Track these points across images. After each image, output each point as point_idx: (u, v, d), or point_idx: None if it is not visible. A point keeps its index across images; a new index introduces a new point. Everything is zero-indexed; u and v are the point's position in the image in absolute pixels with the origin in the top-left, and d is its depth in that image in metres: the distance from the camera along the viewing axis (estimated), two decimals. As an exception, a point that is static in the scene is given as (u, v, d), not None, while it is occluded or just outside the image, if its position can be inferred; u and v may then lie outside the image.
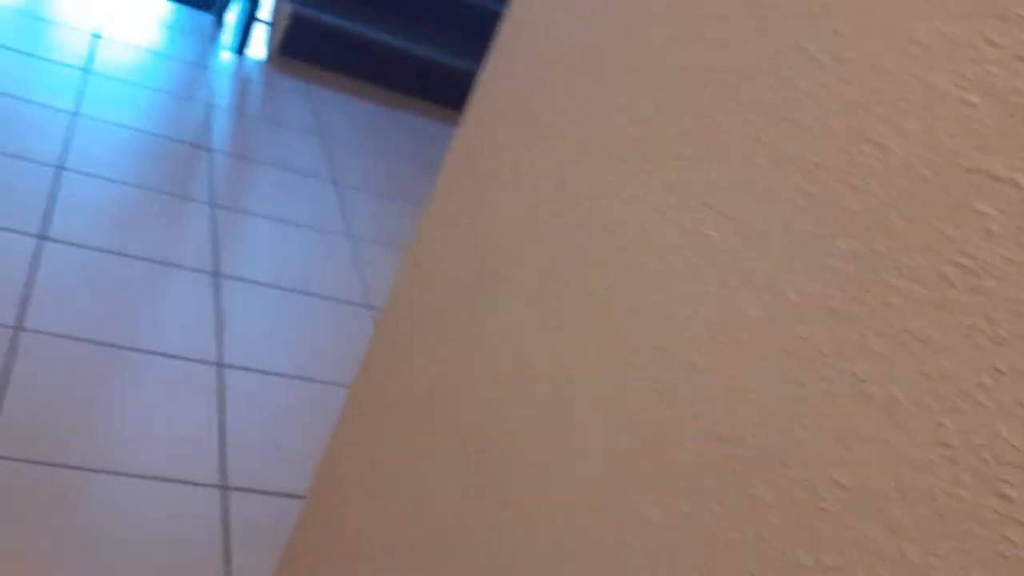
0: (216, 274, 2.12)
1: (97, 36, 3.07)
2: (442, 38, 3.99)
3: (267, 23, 3.70)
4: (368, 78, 3.72)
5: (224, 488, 1.55)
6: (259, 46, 3.62)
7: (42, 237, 1.98)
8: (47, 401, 1.58)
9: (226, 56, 3.40)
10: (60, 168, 2.25)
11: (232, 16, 3.82)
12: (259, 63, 3.46)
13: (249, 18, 3.48)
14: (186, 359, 1.82)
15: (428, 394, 0.94)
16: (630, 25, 0.74)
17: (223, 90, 3.10)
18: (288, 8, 3.52)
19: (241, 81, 3.24)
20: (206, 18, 3.69)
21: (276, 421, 1.76)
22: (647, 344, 0.65)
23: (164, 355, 1.80)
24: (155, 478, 1.52)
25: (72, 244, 2.00)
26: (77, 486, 1.44)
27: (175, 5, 3.71)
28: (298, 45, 3.59)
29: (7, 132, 2.28)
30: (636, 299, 0.67)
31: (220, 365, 1.84)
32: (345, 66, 3.67)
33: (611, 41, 0.76)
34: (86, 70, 2.80)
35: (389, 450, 0.99)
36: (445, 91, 3.81)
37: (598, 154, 0.75)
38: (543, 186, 0.81)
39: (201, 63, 3.24)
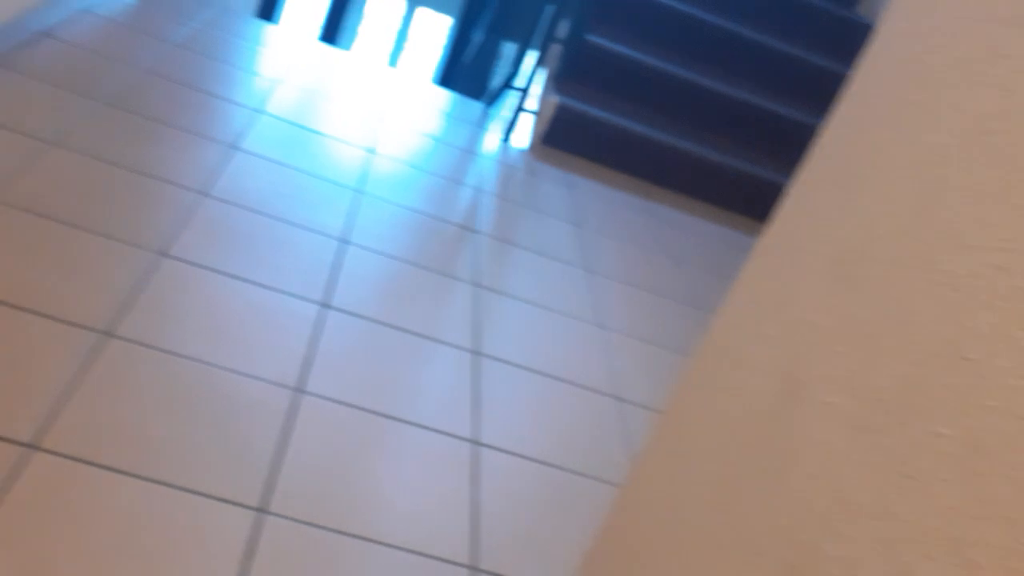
0: (475, 352, 2.19)
1: (380, 120, 3.32)
2: (700, 134, 4.00)
3: (533, 113, 3.86)
4: (626, 169, 3.77)
5: (474, 569, 1.57)
6: (524, 134, 3.78)
7: (325, 305, 2.13)
8: (319, 462, 1.67)
9: (493, 143, 3.57)
10: (344, 241, 2.43)
11: (500, 105, 4.02)
12: (523, 151, 3.61)
13: (518, 108, 3.65)
14: (444, 433, 1.87)
15: (717, 515, 0.90)
16: (972, 138, 0.70)
17: (490, 175, 3.25)
18: (554, 100, 3.66)
19: (506, 167, 3.39)
20: (477, 106, 3.90)
21: (527, 505, 1.77)
22: (1005, 495, 0.59)
23: (424, 427, 1.87)
24: (408, 550, 1.56)
25: (350, 313, 2.14)
26: (334, 548, 1.51)
27: (450, 93, 3.95)
28: (561, 135, 3.71)
29: (299, 205, 2.50)
30: (995, 443, 0.61)
31: (475, 443, 1.88)
32: (604, 157, 3.75)
33: (936, 155, 0.72)
34: (370, 151, 3.03)
35: (666, 572, 0.96)
36: (704, 188, 3.80)
37: (936, 272, 0.70)
38: (875, 301, 0.77)
39: (471, 149, 3.42)
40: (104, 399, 1.60)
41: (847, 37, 4.53)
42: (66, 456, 1.46)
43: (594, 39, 3.88)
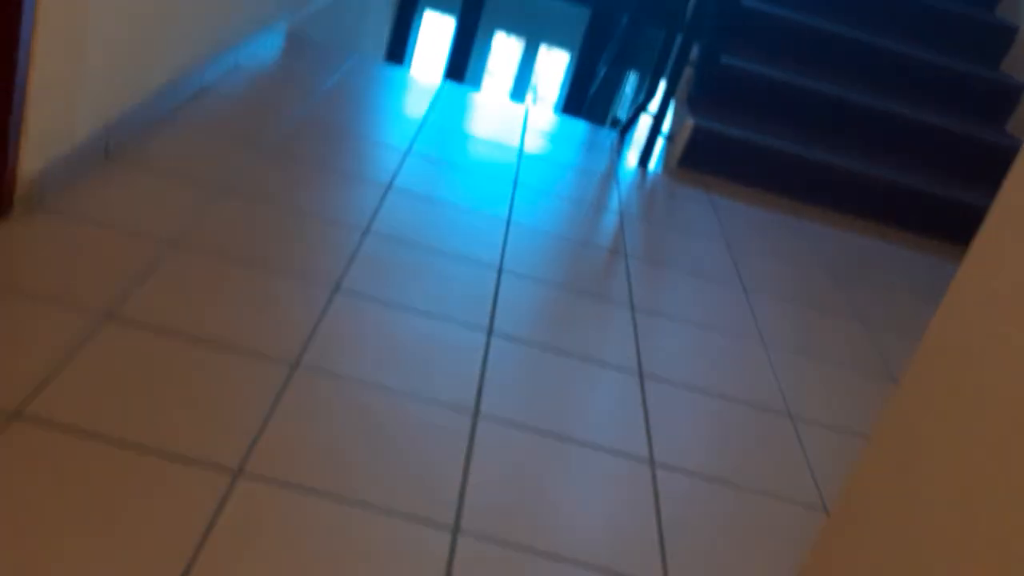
0: (641, 373, 2.17)
1: (520, 152, 3.37)
2: (843, 148, 3.90)
3: (668, 136, 3.84)
4: (768, 187, 3.71)
5: (670, 588, 1.54)
6: (660, 158, 3.77)
7: (490, 332, 2.16)
8: (502, 483, 1.68)
9: (630, 168, 3.57)
10: (500, 270, 2.46)
11: (632, 131, 4.02)
12: (661, 174, 3.59)
13: (653, 132, 3.65)
14: (619, 454, 1.86)
15: (955, 537, 0.86)
16: None
17: (631, 199, 3.25)
18: (690, 122, 3.64)
19: (647, 191, 3.38)
20: (609, 134, 3.92)
21: (710, 525, 1.73)
22: None
23: (598, 448, 1.86)
24: (598, 567, 1.55)
25: (514, 339, 2.16)
26: (526, 566, 1.51)
27: (581, 122, 3.98)
28: (698, 156, 3.68)
29: (453, 237, 2.55)
30: None
31: (651, 463, 1.86)
32: (744, 176, 3.70)
33: None
34: (513, 181, 3.07)
35: None
36: (853, 202, 3.70)
37: None
38: None
39: (609, 175, 3.43)
40: (298, 427, 1.66)
41: (989, 41, 4.36)
42: (269, 479, 1.52)
43: (728, 60, 3.85)
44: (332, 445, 1.65)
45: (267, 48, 3.57)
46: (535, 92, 8.64)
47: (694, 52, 4.01)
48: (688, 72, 4.01)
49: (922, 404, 1.01)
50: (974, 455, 0.87)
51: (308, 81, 3.41)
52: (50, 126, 2.06)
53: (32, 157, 2.01)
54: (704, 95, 3.90)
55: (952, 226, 3.73)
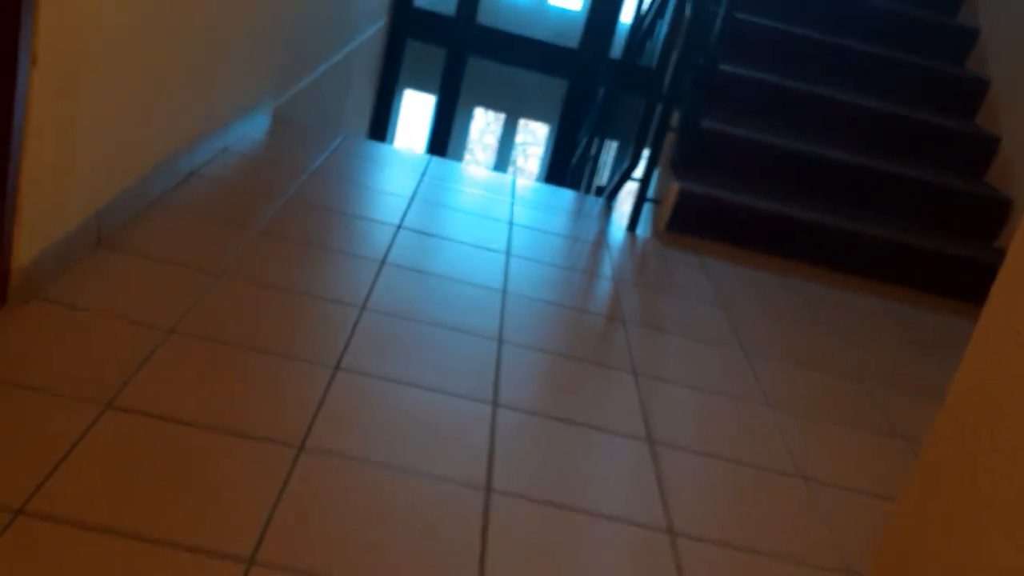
0: (649, 440, 2.14)
1: (510, 222, 3.37)
2: (832, 206, 3.94)
3: (654, 201, 3.87)
4: (758, 248, 3.73)
5: (702, 662, 1.49)
6: (648, 223, 3.79)
7: (495, 403, 2.12)
8: (521, 560, 1.63)
9: (619, 234, 3.58)
10: (499, 340, 2.43)
11: (614, 196, 4.05)
12: (649, 239, 3.60)
13: (640, 199, 3.67)
14: (637, 524, 1.82)
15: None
16: None
17: (623, 265, 3.25)
18: (676, 186, 3.67)
19: (637, 255, 3.39)
20: (597, 202, 3.94)
21: (737, 594, 1.68)
22: None
23: (615, 519, 1.82)
24: (627, 646, 1.50)
25: (520, 410, 2.12)
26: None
27: (566, 191, 4.01)
28: (686, 219, 3.70)
29: (449, 310, 2.53)
30: None
31: (670, 532, 1.82)
32: (733, 237, 3.72)
33: None
34: (504, 252, 3.07)
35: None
36: (844, 259, 3.72)
37: None
38: None
39: (599, 241, 3.44)
40: (307, 512, 1.61)
41: (963, 92, 4.45)
42: (283, 567, 1.47)
43: (710, 124, 3.90)
44: (345, 529, 1.60)
45: (254, 130, 3.58)
46: (515, 165, 8.74)
47: (675, 117, 4.06)
48: (670, 137, 4.06)
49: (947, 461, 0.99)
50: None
51: (296, 161, 3.41)
52: (43, 215, 2.04)
53: (26, 246, 1.99)
54: (687, 159, 3.95)
55: (943, 279, 3.76)
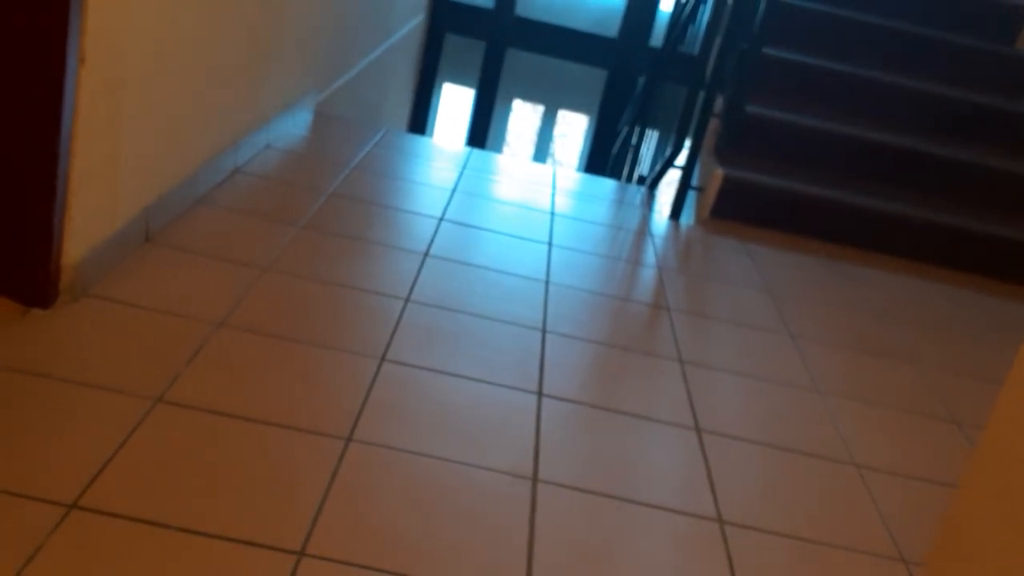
0: (697, 428, 2.12)
1: (552, 212, 3.36)
2: (878, 189, 3.87)
3: (697, 188, 3.83)
4: (803, 232, 3.67)
5: (755, 652, 1.47)
6: (692, 210, 3.75)
7: (540, 394, 2.12)
8: (570, 549, 1.62)
9: (663, 222, 3.55)
10: (543, 331, 2.43)
11: (656, 184, 4.02)
12: (692, 225, 3.57)
13: (683, 185, 3.63)
14: (686, 514, 1.80)
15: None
16: None
17: (667, 253, 3.22)
18: (720, 172, 3.63)
19: (681, 243, 3.35)
20: (638, 190, 3.91)
21: (789, 583, 1.66)
22: None
23: (664, 508, 1.80)
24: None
25: (565, 400, 2.12)
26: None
27: (612, 182, 3.98)
28: (729, 206, 3.66)
29: (492, 301, 2.52)
30: None
31: (720, 521, 1.80)
32: (778, 222, 3.67)
33: None
34: (546, 242, 3.06)
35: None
36: (891, 242, 3.65)
37: None
38: None
39: (642, 230, 3.41)
40: (357, 503, 1.62)
41: (1007, 74, 4.34)
42: (333, 560, 1.47)
43: (753, 109, 3.85)
44: (393, 520, 1.60)
45: (296, 126, 3.61)
46: (554, 157, 8.72)
47: (718, 104, 4.02)
48: (714, 123, 4.02)
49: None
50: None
51: (339, 156, 3.43)
52: (92, 213, 2.07)
53: (75, 245, 2.02)
54: (731, 145, 3.90)
55: (994, 262, 3.67)
